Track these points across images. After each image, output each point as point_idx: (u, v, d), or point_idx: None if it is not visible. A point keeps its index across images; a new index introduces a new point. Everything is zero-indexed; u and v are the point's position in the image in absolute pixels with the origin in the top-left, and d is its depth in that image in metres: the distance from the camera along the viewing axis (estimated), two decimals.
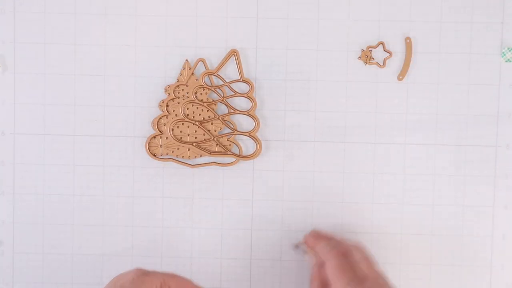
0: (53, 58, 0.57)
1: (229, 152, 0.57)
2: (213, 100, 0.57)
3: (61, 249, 0.58)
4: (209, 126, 0.57)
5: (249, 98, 0.57)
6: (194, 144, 0.57)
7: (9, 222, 0.58)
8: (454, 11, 0.57)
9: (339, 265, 0.47)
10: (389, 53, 0.57)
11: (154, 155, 0.57)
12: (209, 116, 0.57)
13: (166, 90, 0.57)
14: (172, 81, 0.57)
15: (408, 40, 0.57)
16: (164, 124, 0.57)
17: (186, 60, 0.57)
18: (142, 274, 0.44)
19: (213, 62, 0.57)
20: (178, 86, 0.57)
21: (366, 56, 0.57)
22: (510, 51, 0.56)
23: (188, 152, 0.57)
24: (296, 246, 0.56)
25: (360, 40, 0.57)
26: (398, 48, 0.57)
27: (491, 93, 0.57)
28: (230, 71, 0.57)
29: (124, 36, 0.57)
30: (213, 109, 0.57)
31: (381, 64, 0.57)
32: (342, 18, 0.57)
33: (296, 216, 0.58)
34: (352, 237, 0.57)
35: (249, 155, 0.57)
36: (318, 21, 0.57)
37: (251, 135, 0.57)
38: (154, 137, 0.57)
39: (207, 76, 0.57)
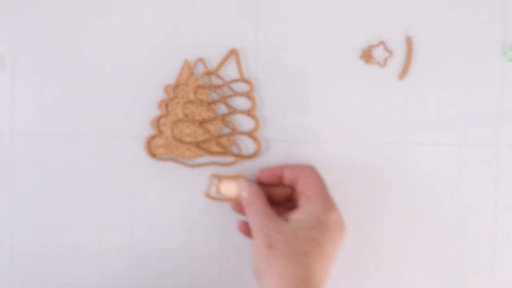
0: (52, 57, 0.57)
1: (229, 152, 0.57)
2: (213, 100, 0.57)
3: (59, 250, 0.58)
4: (209, 126, 0.57)
5: (249, 98, 0.57)
6: (193, 144, 0.57)
7: (7, 222, 0.58)
8: (455, 10, 0.57)
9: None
10: (390, 52, 0.57)
11: (154, 155, 0.57)
12: (209, 116, 0.57)
13: (165, 90, 0.57)
14: (171, 81, 0.57)
15: (409, 40, 0.57)
16: (164, 124, 0.57)
17: (186, 60, 0.57)
18: None
19: (213, 62, 0.57)
20: (177, 86, 0.57)
21: (367, 56, 0.56)
22: None
23: (188, 152, 0.57)
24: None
25: (361, 39, 0.57)
26: (399, 47, 0.57)
27: (492, 93, 0.57)
28: (230, 71, 0.57)
29: (123, 36, 0.57)
30: (213, 109, 0.57)
31: (382, 63, 0.57)
32: (343, 17, 0.57)
33: None
34: (348, 239, 0.57)
35: (249, 155, 0.57)
36: (318, 20, 0.57)
37: (251, 135, 0.57)
38: (154, 137, 0.57)
39: (206, 76, 0.57)
